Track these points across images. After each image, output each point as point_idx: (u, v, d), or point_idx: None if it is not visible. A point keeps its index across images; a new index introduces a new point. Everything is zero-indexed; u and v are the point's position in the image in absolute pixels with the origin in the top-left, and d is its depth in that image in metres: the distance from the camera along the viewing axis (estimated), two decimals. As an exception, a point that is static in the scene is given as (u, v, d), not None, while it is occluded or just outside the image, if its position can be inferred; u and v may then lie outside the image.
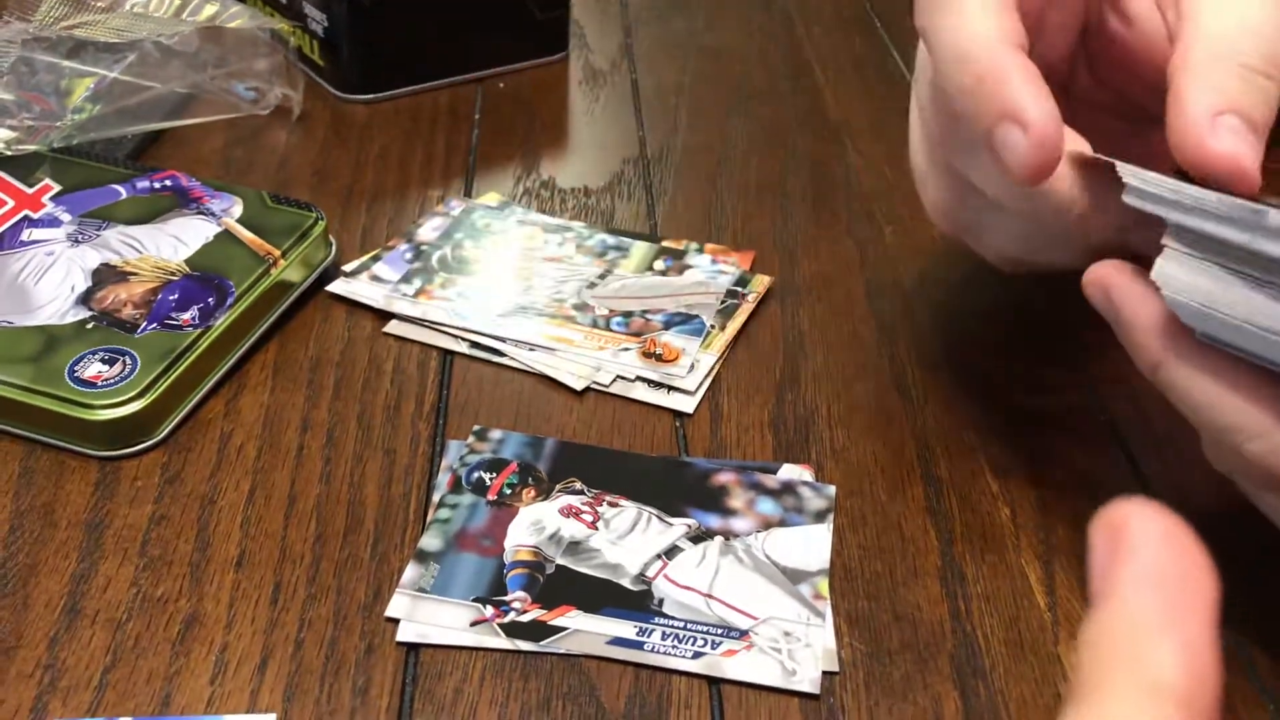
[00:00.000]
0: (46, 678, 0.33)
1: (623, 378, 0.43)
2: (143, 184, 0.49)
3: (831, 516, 0.38)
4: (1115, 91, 0.39)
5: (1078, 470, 0.41)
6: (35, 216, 0.47)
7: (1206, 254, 0.30)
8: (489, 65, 0.62)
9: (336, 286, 0.47)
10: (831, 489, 0.39)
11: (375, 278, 0.47)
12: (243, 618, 0.35)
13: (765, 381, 0.44)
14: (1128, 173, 0.32)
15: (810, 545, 0.37)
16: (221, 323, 0.42)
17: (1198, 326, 0.31)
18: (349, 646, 0.34)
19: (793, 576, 0.36)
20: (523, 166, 0.56)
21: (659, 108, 0.61)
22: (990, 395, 0.44)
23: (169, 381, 0.40)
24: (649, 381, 0.43)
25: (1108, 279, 0.33)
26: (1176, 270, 0.31)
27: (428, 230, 0.50)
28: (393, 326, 0.45)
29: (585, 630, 0.34)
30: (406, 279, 0.47)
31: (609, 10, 0.71)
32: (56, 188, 0.48)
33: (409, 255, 0.48)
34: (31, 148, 0.49)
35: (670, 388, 0.43)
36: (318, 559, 0.36)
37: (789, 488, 0.39)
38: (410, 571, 0.36)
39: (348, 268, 0.47)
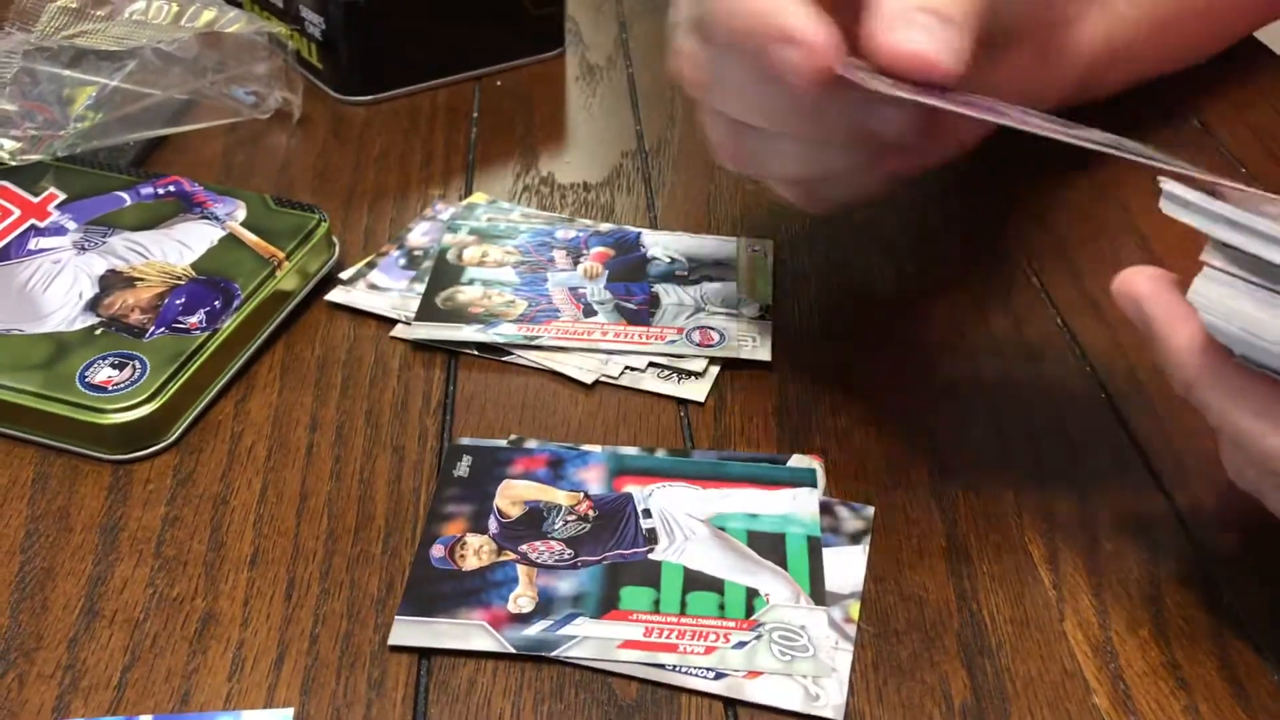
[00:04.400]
0: (67, 678, 0.33)
1: (632, 368, 0.44)
2: (147, 190, 0.49)
3: (868, 539, 0.38)
4: None
5: (1078, 448, 0.41)
6: (41, 225, 0.47)
7: (1247, 274, 0.29)
8: (486, 63, 0.63)
9: (336, 295, 0.47)
10: (870, 510, 0.39)
11: (373, 285, 0.47)
12: (258, 615, 0.35)
13: (769, 370, 0.44)
14: (1168, 183, 0.30)
15: (845, 567, 0.37)
16: (228, 325, 0.43)
17: (1236, 350, 0.30)
18: (363, 640, 0.34)
19: (828, 599, 0.36)
20: (521, 163, 0.56)
21: (655, 100, 0.62)
22: (991, 376, 0.44)
23: (178, 384, 0.41)
24: (661, 368, 0.44)
25: (1140, 290, 0.32)
26: (1215, 291, 0.30)
27: (418, 235, 0.50)
28: (399, 330, 0.45)
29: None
30: (420, 279, 0.47)
31: (603, 5, 0.71)
32: (62, 196, 0.49)
33: (402, 261, 0.48)
34: (36, 157, 0.50)
35: (682, 372, 0.43)
36: (330, 555, 0.37)
37: (826, 508, 0.39)
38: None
39: (344, 275, 0.48)
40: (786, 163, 0.39)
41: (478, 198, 0.53)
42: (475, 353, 0.44)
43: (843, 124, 0.37)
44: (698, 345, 0.44)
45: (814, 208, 0.43)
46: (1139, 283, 0.33)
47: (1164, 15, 0.54)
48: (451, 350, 0.45)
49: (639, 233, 0.51)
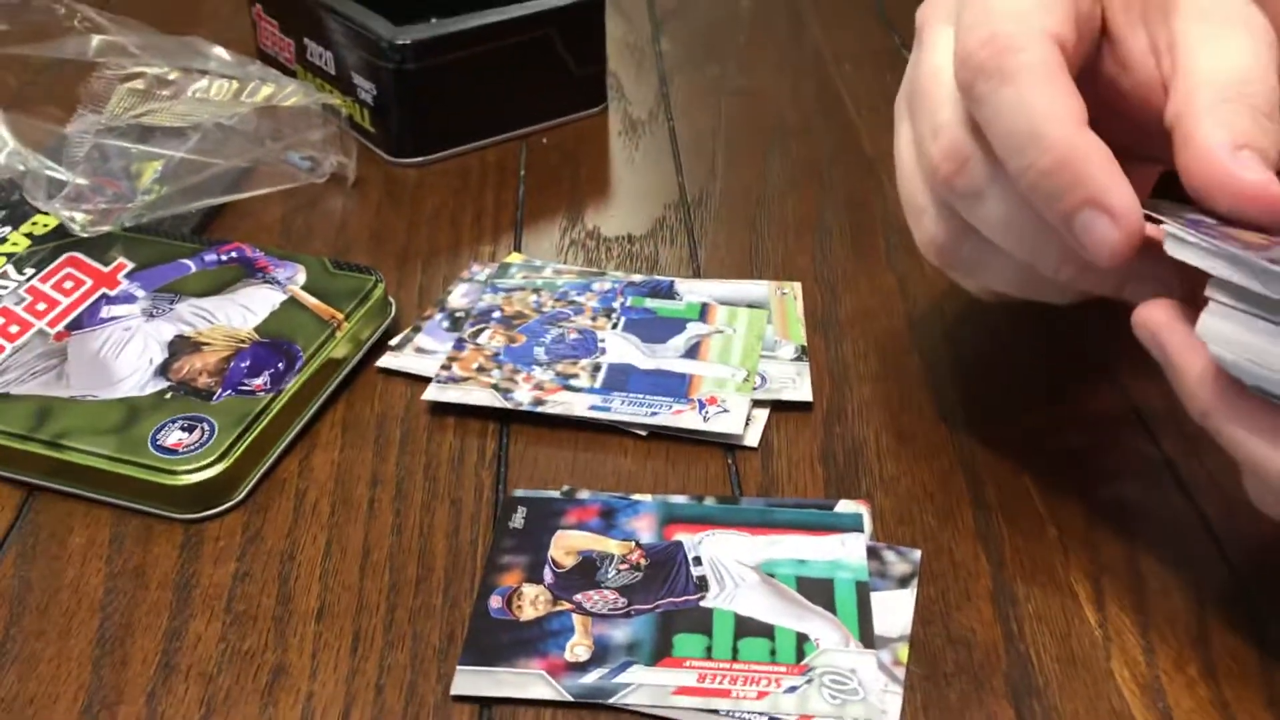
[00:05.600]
0: (147, 731, 0.35)
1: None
2: (210, 257, 0.51)
3: (915, 582, 0.38)
4: (1103, 131, 0.37)
5: (1122, 488, 0.42)
6: (112, 294, 0.49)
7: (1251, 308, 0.30)
8: (532, 122, 0.65)
9: (386, 361, 0.48)
10: (916, 554, 0.39)
11: (420, 349, 0.49)
12: (325, 667, 0.36)
13: (813, 415, 0.45)
14: (1171, 224, 0.31)
15: (893, 610, 0.37)
16: (292, 386, 0.45)
17: (1246, 381, 0.30)
18: (427, 690, 0.36)
19: (877, 643, 0.36)
20: (568, 218, 0.58)
21: (697, 153, 0.63)
22: (1035, 419, 0.45)
23: (245, 445, 0.42)
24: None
25: (1156, 323, 0.33)
26: (1221, 325, 0.30)
27: (457, 297, 0.52)
28: (431, 393, 0.46)
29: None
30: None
31: (644, 61, 0.73)
32: (130, 265, 0.51)
33: (445, 324, 0.50)
34: (105, 229, 0.52)
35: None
36: (393, 608, 0.38)
37: (873, 553, 0.39)
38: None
39: (393, 342, 0.49)
40: (995, 278, 0.38)
41: (513, 257, 0.55)
42: (525, 408, 0.46)
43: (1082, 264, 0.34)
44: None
45: (991, 300, 0.41)
46: (1155, 315, 0.33)
47: None
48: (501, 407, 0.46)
49: (671, 281, 0.52)
